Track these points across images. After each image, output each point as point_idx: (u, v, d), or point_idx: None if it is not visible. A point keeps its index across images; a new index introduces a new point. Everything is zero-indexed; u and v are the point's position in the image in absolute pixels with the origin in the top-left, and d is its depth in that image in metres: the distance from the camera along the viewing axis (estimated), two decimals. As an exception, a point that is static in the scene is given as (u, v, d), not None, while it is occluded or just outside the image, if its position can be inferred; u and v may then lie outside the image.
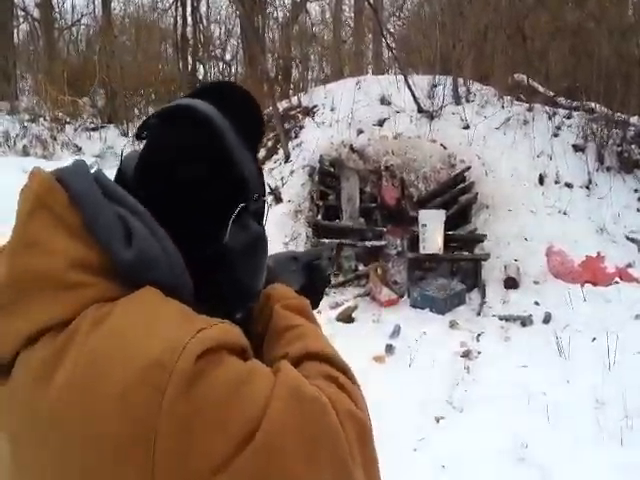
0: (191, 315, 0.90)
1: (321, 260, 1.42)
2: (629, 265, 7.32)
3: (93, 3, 20.85)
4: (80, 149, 13.69)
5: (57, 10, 20.82)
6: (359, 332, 6.14)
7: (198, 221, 1.01)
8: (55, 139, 13.89)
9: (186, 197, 1.01)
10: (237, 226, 1.03)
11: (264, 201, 1.11)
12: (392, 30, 15.19)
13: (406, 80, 9.38)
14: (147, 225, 0.95)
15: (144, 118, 1.09)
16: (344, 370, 1.03)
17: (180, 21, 18.91)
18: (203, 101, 1.06)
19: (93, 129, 14.88)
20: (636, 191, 8.28)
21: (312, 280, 1.38)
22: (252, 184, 1.07)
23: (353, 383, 1.02)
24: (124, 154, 1.10)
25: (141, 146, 1.08)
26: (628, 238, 7.71)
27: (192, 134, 1.03)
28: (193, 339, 0.83)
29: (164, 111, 1.06)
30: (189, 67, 18.66)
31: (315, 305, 1.33)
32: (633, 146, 8.54)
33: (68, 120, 14.97)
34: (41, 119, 14.53)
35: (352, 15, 17.31)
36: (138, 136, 1.07)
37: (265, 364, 0.95)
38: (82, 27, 21.48)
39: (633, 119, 8.71)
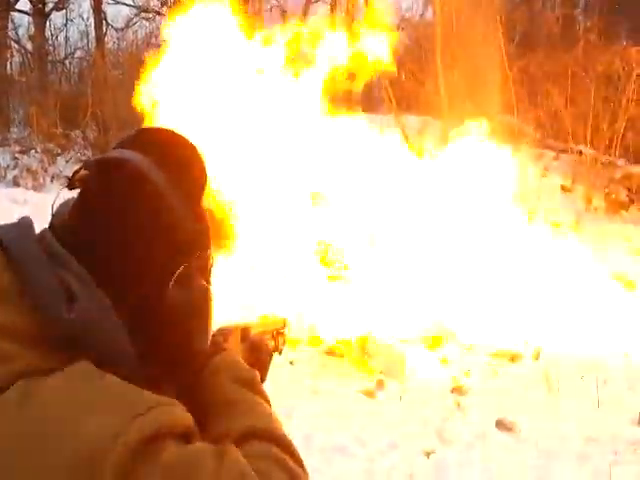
0: (129, 395, 0.85)
1: (268, 336, 1.37)
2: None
3: (87, 37, 21.08)
4: (71, 181, 13.71)
5: (50, 43, 21.00)
6: (349, 366, 6.13)
7: (135, 281, 0.96)
8: (46, 171, 13.88)
9: (121, 256, 0.95)
10: (179, 285, 0.98)
11: (208, 257, 1.05)
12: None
13: (399, 121, 9.50)
14: (90, 292, 0.91)
15: (75, 168, 1.02)
16: (291, 452, 0.98)
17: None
18: (139, 153, 1.00)
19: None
20: (623, 232, 8.38)
21: (258, 355, 1.31)
22: (193, 242, 1.01)
23: (299, 466, 0.97)
24: (55, 205, 1.02)
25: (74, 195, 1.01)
26: (615, 277, 7.79)
27: (125, 191, 0.96)
28: (130, 426, 0.79)
29: (97, 163, 1.00)
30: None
31: (262, 379, 1.27)
32: (620, 187, 8.69)
33: (59, 152, 14.99)
34: (32, 151, 14.54)
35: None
36: (70, 186, 1.00)
37: (210, 436, 0.92)
38: (75, 60, 21.67)
39: (620, 161, 8.88)
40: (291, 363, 6.07)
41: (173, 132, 1.08)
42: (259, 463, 0.90)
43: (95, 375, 0.85)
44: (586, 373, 5.64)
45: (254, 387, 1.09)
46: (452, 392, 5.59)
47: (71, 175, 1.00)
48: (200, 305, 1.03)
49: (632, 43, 10.44)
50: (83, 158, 15.08)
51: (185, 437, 0.86)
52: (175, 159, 1.02)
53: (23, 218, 1.00)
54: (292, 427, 4.83)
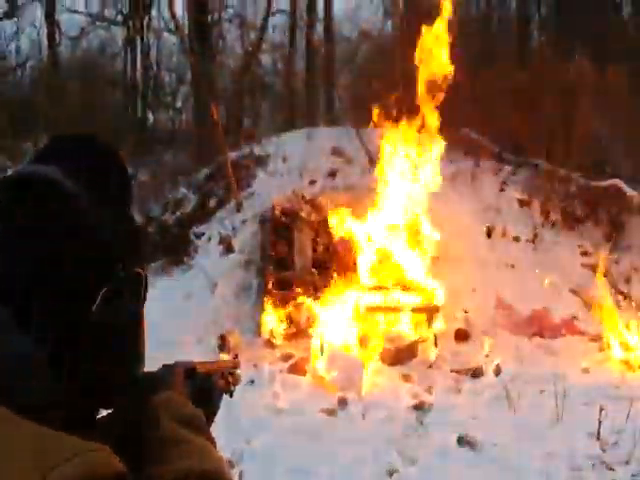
0: (48, 443, 0.77)
1: (218, 379, 1.30)
2: (574, 318, 7.49)
3: (39, 46, 20.70)
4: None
5: (1, 51, 20.56)
6: (311, 385, 6.09)
7: (56, 308, 0.88)
8: (-4, 183, 13.57)
9: (38, 285, 0.88)
10: (104, 308, 0.91)
11: (139, 273, 0.98)
12: (343, 81, 15.50)
13: (357, 132, 9.55)
14: (5, 337, 0.83)
15: None
16: None
17: (130, 66, 18.92)
18: (56, 166, 0.93)
19: (37, 173, 14.59)
20: (579, 246, 8.53)
21: (206, 397, 1.25)
22: (117, 261, 0.94)
23: None
24: None
25: None
26: (572, 291, 7.91)
27: (37, 211, 0.90)
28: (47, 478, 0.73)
29: (9, 180, 0.92)
30: (138, 113, 18.61)
31: (210, 419, 1.22)
32: (576, 202, 8.83)
33: (10, 165, 14.68)
34: (-20, 163, 14.23)
35: (304, 66, 17.63)
36: None
37: (144, 476, 0.88)
38: (27, 69, 21.27)
39: (575, 175, 9.03)
40: (252, 382, 6.01)
41: (90, 138, 1.02)
42: None
43: (6, 422, 0.78)
44: (546, 387, 5.69)
45: (195, 427, 1.03)
46: (414, 409, 5.58)
47: None
48: (128, 327, 0.97)
49: (586, 58, 10.67)
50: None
51: None
52: (93, 166, 0.96)
53: None
54: (254, 447, 4.77)
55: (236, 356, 1.45)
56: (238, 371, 1.39)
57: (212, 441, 1.04)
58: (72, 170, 0.93)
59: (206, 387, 1.25)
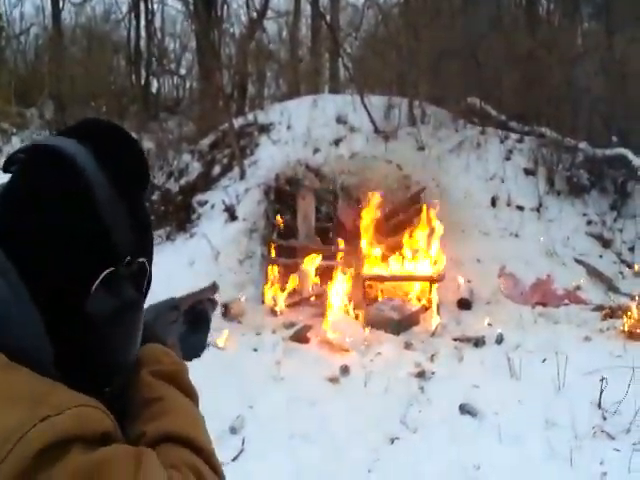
0: (41, 391, 0.81)
1: (203, 304, 1.36)
2: (578, 287, 7.49)
3: (43, 12, 20.48)
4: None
5: (4, 18, 20.37)
6: (313, 352, 6.11)
7: (55, 282, 0.90)
8: (0, 150, 13.55)
9: (40, 250, 0.90)
10: (104, 292, 0.93)
11: (142, 263, 1.00)
12: (349, 50, 15.33)
13: (362, 100, 9.46)
14: (7, 280, 0.87)
15: (12, 151, 0.99)
16: (205, 457, 0.95)
17: (134, 33, 18.73)
18: (80, 144, 0.95)
19: (41, 141, 14.51)
20: (584, 215, 8.49)
21: (194, 325, 1.31)
22: (124, 247, 0.95)
23: (212, 468, 0.95)
24: None
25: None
26: (577, 260, 7.89)
27: (53, 180, 0.92)
28: (34, 428, 0.75)
29: (31, 148, 0.96)
30: (142, 80, 18.47)
31: (199, 351, 1.28)
32: (582, 171, 8.76)
33: (15, 131, 14.63)
34: (-14, 129, 14.19)
35: (309, 34, 17.43)
36: (4, 169, 0.97)
37: (127, 435, 0.90)
38: (31, 36, 21.08)
39: (582, 145, 8.95)
40: (255, 350, 6.03)
41: (118, 126, 1.04)
42: (172, 470, 0.88)
43: (5, 367, 0.82)
44: (548, 356, 5.69)
45: (175, 381, 1.05)
46: (416, 377, 5.60)
47: (6, 158, 0.96)
48: (125, 314, 0.97)
49: (594, 25, 10.52)
50: (39, 137, 14.73)
51: (101, 441, 0.82)
52: (117, 154, 0.98)
53: None
54: (256, 414, 4.80)
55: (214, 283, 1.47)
56: (217, 296, 1.43)
57: (191, 395, 1.06)
58: (98, 153, 0.95)
59: (192, 319, 1.31)
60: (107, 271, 0.93)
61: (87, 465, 0.78)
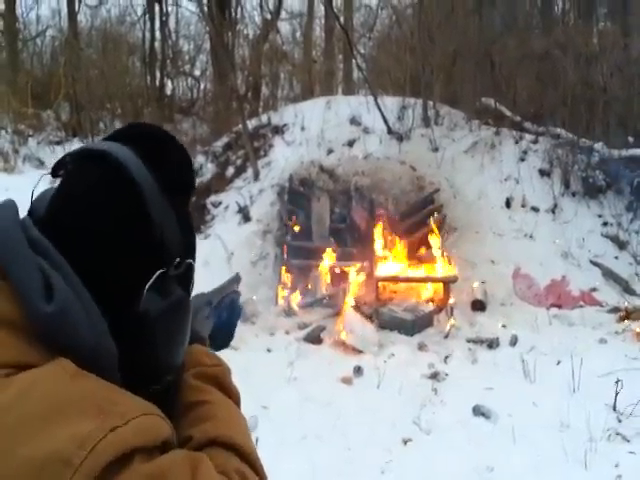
0: (107, 400, 0.82)
1: (230, 294, 1.39)
2: (593, 289, 7.44)
3: (59, 15, 20.61)
4: (43, 163, 13.45)
5: (21, 21, 20.51)
6: (327, 353, 6.12)
7: (109, 284, 0.93)
8: (17, 152, 13.62)
9: (96, 250, 0.93)
10: (155, 292, 0.95)
11: (190, 264, 1.02)
12: (362, 51, 15.30)
13: (376, 101, 9.45)
14: (70, 283, 0.88)
15: (62, 155, 1.01)
16: (250, 461, 0.97)
17: (149, 35, 18.80)
18: (128, 148, 0.97)
19: (57, 143, 14.60)
20: (600, 216, 8.43)
21: (227, 317, 1.35)
22: (173, 248, 0.98)
23: (257, 474, 0.97)
24: (35, 193, 1.01)
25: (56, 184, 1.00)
26: (592, 262, 7.84)
27: (105, 185, 0.94)
28: (105, 439, 0.77)
29: (81, 152, 0.98)
30: (157, 82, 18.54)
31: (229, 341, 1.32)
32: (597, 172, 8.70)
33: (31, 133, 14.72)
34: (3, 131, 14.25)
35: (323, 35, 17.43)
36: (54, 174, 0.99)
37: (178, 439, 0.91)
38: (47, 39, 21.21)
39: (597, 145, 8.88)
40: (268, 350, 6.05)
41: (166, 131, 1.07)
42: (222, 476, 0.89)
43: (72, 374, 0.83)
44: (563, 358, 5.67)
45: (218, 383, 1.08)
46: (430, 378, 5.59)
47: (55, 163, 0.99)
48: (176, 314, 1.00)
49: (610, 24, 10.45)
50: (55, 139, 14.84)
51: (161, 448, 0.84)
52: (166, 160, 1.00)
53: (7, 200, 0.98)
54: (269, 415, 4.81)
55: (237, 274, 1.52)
56: (239, 288, 1.47)
57: (234, 395, 1.11)
58: (148, 159, 0.97)
59: (223, 312, 1.35)
60: (159, 272, 0.95)
61: (149, 474, 0.80)
